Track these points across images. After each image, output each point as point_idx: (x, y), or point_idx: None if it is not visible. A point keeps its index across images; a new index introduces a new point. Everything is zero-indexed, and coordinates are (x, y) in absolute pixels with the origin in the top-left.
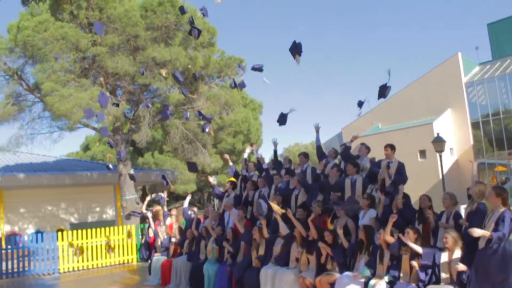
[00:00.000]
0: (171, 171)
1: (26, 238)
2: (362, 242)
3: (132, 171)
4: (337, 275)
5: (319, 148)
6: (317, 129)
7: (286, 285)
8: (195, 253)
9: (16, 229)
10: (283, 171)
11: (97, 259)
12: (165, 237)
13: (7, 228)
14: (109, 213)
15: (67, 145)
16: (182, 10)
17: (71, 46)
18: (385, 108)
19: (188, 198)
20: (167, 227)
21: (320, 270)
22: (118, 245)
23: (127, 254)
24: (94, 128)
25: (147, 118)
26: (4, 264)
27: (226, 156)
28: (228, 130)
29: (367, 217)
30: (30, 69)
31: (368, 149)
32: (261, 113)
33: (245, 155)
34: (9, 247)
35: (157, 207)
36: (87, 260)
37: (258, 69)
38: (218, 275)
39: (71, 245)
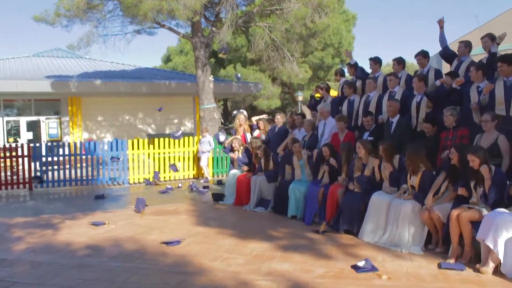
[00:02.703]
0: (254, 84)
1: (101, 145)
2: None
3: (211, 78)
4: (484, 211)
5: (446, 48)
6: (441, 24)
7: (404, 218)
8: (276, 172)
9: (94, 137)
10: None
11: (169, 171)
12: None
13: (85, 136)
14: (188, 125)
15: (148, 58)
16: None
17: None
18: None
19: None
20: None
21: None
22: (194, 158)
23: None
24: (171, 29)
25: (229, 17)
26: (78, 171)
27: (349, 52)
28: (319, 38)
29: None
30: None
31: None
32: (354, 26)
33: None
34: (83, 153)
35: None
36: (160, 172)
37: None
38: (309, 197)
39: (148, 156)
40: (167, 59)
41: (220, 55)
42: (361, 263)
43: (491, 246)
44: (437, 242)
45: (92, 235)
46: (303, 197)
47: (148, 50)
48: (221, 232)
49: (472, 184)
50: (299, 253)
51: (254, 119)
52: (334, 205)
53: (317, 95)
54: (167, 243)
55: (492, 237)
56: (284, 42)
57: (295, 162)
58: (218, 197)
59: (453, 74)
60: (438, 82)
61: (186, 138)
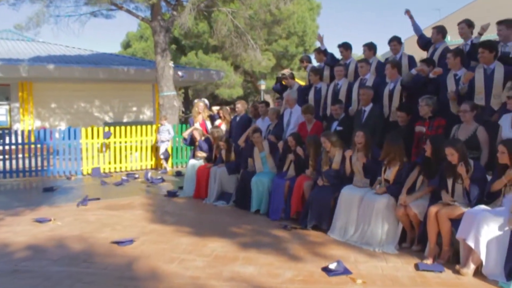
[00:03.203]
0: (216, 71)
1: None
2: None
3: (171, 64)
4: (463, 208)
5: (422, 36)
6: (409, 15)
7: (377, 214)
8: (238, 163)
9: (47, 125)
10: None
11: (126, 161)
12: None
13: (37, 124)
14: (147, 114)
15: (106, 43)
16: None
17: None
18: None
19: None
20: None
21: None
22: (152, 148)
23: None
24: (129, 12)
25: (191, 1)
26: (27, 161)
27: (321, 37)
28: (283, 25)
29: None
30: None
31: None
32: (318, 15)
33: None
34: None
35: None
36: (115, 162)
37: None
38: (274, 190)
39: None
40: (127, 45)
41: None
42: (332, 265)
43: (472, 246)
44: (411, 240)
45: (34, 234)
46: (267, 191)
47: (106, 36)
48: (179, 229)
49: (449, 181)
50: (265, 254)
51: (214, 108)
52: (300, 199)
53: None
54: (118, 242)
55: (474, 236)
56: (248, 29)
57: (255, 154)
58: (172, 194)
59: (428, 61)
60: (414, 71)
61: (144, 126)
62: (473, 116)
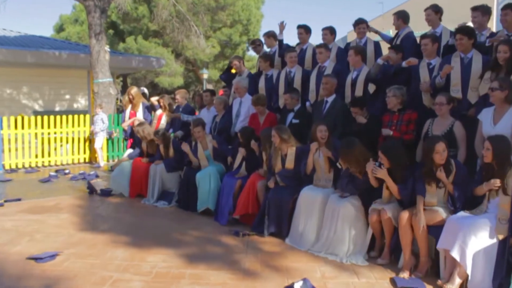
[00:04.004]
0: (157, 58)
1: None
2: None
3: (107, 48)
4: (443, 213)
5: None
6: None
7: (344, 220)
8: (178, 160)
9: None
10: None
11: (56, 155)
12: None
13: None
14: (81, 103)
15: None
16: None
17: None
18: None
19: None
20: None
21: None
22: (87, 140)
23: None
24: None
25: None
26: None
27: (283, 26)
28: (228, 11)
29: None
30: None
31: None
32: (263, 3)
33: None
34: None
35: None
36: (43, 156)
37: None
38: (223, 191)
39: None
40: (60, 29)
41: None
42: (298, 285)
43: (458, 258)
44: (380, 248)
45: None
46: (215, 188)
47: (37, 18)
48: (113, 238)
49: (431, 186)
50: (216, 269)
51: (153, 99)
52: (253, 201)
53: (233, 70)
54: (36, 258)
55: (459, 247)
56: (191, 15)
57: (199, 152)
58: (107, 193)
59: (397, 48)
60: (380, 61)
61: (77, 116)
62: (449, 109)
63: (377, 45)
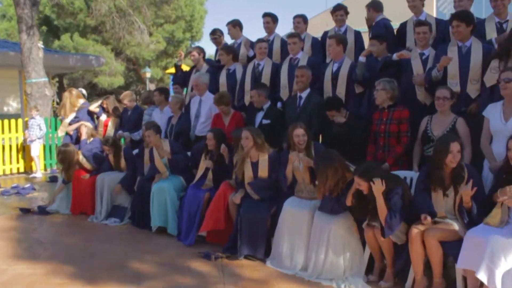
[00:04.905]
0: (96, 57)
1: None
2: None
3: (40, 45)
4: (455, 226)
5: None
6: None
7: (337, 238)
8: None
9: None
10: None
11: None
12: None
13: None
14: (13, 105)
15: None
16: None
17: None
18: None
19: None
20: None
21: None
22: (18, 147)
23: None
24: None
25: None
26: None
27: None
28: (173, 5)
29: None
30: None
31: None
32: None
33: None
34: None
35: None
36: None
37: None
38: (187, 205)
39: None
40: None
41: None
42: None
43: (485, 281)
44: (381, 270)
45: None
46: (172, 202)
47: None
48: (55, 270)
49: (438, 193)
50: None
51: (92, 107)
52: (222, 215)
53: (184, 67)
54: None
55: (487, 267)
56: (132, 9)
57: (156, 161)
58: (44, 210)
59: (381, 38)
60: (363, 58)
61: (8, 121)
62: (451, 105)
63: (358, 34)
